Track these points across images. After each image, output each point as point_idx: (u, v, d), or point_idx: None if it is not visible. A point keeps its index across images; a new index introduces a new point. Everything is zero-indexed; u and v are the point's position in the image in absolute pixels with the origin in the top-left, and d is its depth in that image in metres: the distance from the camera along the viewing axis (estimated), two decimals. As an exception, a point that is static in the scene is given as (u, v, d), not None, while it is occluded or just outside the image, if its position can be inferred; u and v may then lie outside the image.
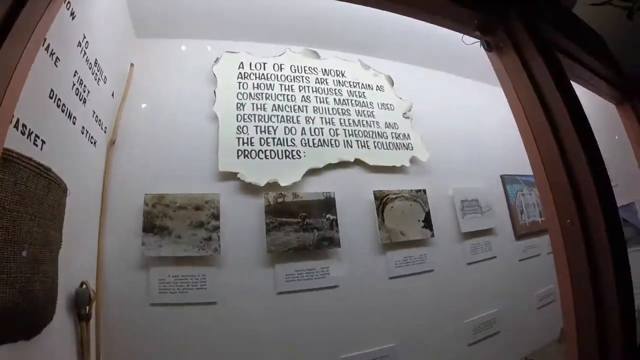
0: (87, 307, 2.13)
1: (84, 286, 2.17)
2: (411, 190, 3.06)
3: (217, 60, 3.06)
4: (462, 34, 2.07)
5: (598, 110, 2.73)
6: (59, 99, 1.85)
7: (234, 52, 3.14)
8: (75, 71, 2.04)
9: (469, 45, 2.17)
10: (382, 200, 2.90)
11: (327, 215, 2.71)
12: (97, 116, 2.38)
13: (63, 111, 1.91)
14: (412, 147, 3.26)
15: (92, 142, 2.32)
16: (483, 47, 2.03)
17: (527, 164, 3.92)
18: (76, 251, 2.05)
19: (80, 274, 2.13)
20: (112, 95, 2.67)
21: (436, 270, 3.06)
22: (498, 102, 4.05)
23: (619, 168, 3.05)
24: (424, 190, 3.12)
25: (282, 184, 2.70)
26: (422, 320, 2.94)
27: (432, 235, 3.04)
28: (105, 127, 2.54)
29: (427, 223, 3.04)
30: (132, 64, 2.93)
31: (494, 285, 3.46)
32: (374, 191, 2.91)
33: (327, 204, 2.74)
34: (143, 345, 2.40)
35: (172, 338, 2.43)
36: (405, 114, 3.41)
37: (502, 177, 3.91)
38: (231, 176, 2.70)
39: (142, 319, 2.42)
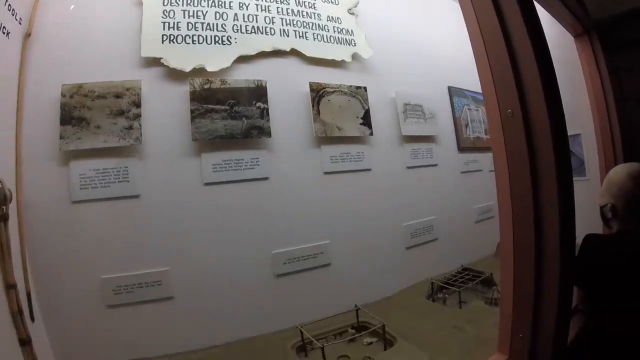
0: (4, 207, 1.99)
1: (0, 184, 2.00)
2: (351, 85, 2.99)
3: None
4: None
5: (556, 40, 2.71)
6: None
7: None
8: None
9: None
10: (318, 93, 2.82)
11: (258, 104, 2.60)
12: (10, 6, 2.12)
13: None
14: (354, 44, 3.15)
15: (4, 33, 2.07)
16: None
17: (476, 82, 3.98)
18: None
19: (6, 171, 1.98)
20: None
21: (374, 170, 3.08)
22: (452, 12, 4.04)
23: (568, 100, 3.12)
24: (365, 88, 3.06)
25: (210, 69, 2.55)
26: (359, 219, 2.99)
27: (371, 134, 3.03)
28: (20, 19, 2.25)
29: (366, 121, 3.02)
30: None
31: (434, 192, 3.57)
32: (310, 82, 2.81)
33: (258, 92, 2.62)
34: (67, 243, 2.29)
35: (96, 235, 2.33)
36: (350, 10, 3.26)
37: (449, 88, 3.93)
38: (155, 62, 2.49)
39: (65, 217, 2.28)
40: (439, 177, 3.57)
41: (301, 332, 2.48)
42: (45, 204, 2.25)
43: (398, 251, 3.23)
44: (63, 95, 2.29)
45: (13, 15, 2.18)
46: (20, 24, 2.27)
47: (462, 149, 3.88)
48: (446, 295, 3.02)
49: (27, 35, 2.33)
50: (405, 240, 3.25)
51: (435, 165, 3.53)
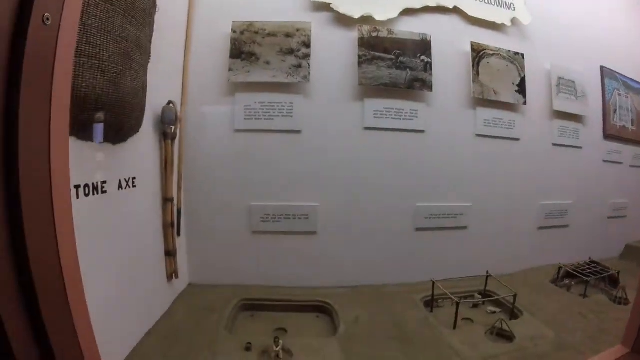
0: (172, 127, 2.23)
1: (171, 105, 2.22)
2: (509, 50, 2.87)
3: None
4: None
5: None
6: None
7: None
8: None
9: None
10: (478, 53, 2.75)
11: (422, 57, 2.60)
12: None
13: None
14: (514, 8, 3.02)
15: None
16: None
17: (631, 65, 3.63)
18: (163, 71, 2.09)
19: (167, 94, 2.21)
20: None
21: (522, 141, 2.96)
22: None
23: None
24: (522, 55, 2.92)
25: (377, 18, 2.59)
26: (502, 188, 2.91)
27: (525, 103, 2.90)
28: None
29: (521, 89, 2.89)
30: None
31: (574, 176, 3.35)
32: (471, 42, 2.75)
33: (422, 46, 2.62)
34: (223, 169, 2.50)
35: (253, 164, 2.51)
36: (511, -28, 3.11)
37: (602, 68, 3.61)
38: (323, 7, 2.60)
39: (225, 143, 2.49)
40: (581, 161, 3.32)
41: (433, 286, 2.47)
42: (208, 130, 2.46)
43: (531, 229, 3.10)
44: (234, 31, 2.47)
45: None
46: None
47: (607, 136, 3.57)
48: (572, 283, 2.86)
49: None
50: (539, 219, 3.10)
51: (580, 148, 3.29)
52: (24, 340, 0.52)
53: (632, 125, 3.94)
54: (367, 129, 2.50)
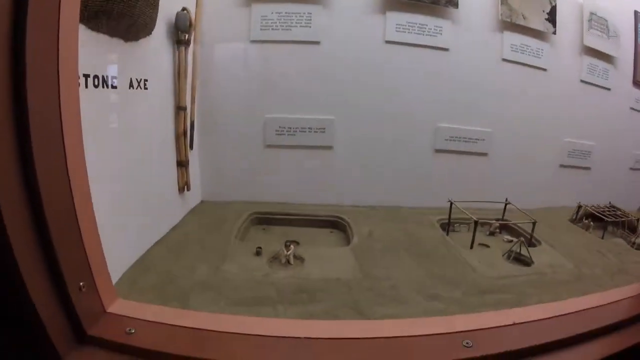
0: (186, 34, 2.19)
1: (185, 11, 2.17)
2: (542, -24, 2.76)
3: None
4: None
5: None
6: None
7: None
8: None
9: None
10: (510, -25, 2.64)
11: (450, -28, 2.51)
12: None
13: None
14: None
15: None
16: None
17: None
18: None
19: (182, 0, 2.15)
20: None
21: (550, 72, 2.87)
22: None
23: None
24: (555, -18, 2.80)
25: None
26: (524, 116, 2.84)
27: (554, 33, 2.80)
28: None
29: (552, 17, 2.79)
30: None
31: (599, 118, 3.26)
32: (503, -38, 2.63)
33: (451, -39, 2.52)
34: (238, 80, 2.48)
35: (269, 75, 2.48)
36: None
37: (635, 12, 3.47)
38: None
39: (241, 54, 2.48)
40: (607, 104, 3.23)
41: (451, 206, 2.43)
42: (223, 40, 2.43)
43: (553, 166, 3.04)
44: None
45: None
46: None
47: (637, 82, 3.44)
48: (591, 223, 2.83)
49: None
50: (561, 157, 3.02)
51: (609, 89, 3.18)
52: (26, 239, 0.49)
53: (663, 77, 3.80)
54: (388, 42, 2.44)
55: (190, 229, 2.22)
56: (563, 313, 0.75)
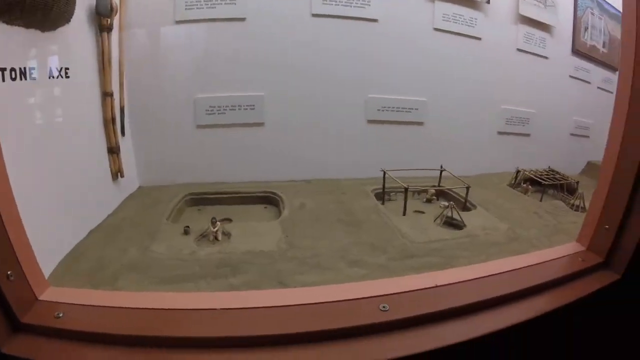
0: (108, 19, 2.15)
1: None
2: (474, -58, 2.77)
3: None
4: None
5: None
6: None
7: None
8: None
9: None
10: (441, -58, 2.65)
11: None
12: None
13: None
14: None
15: None
16: None
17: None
18: None
19: None
20: None
21: (484, 41, 2.94)
22: None
23: None
24: (488, -52, 2.83)
25: None
26: (459, 85, 2.92)
27: (488, 2, 2.84)
28: None
29: (485, -14, 2.81)
30: None
31: (536, 86, 3.37)
32: None
33: None
34: (167, 62, 2.46)
35: (196, 55, 2.48)
36: None
37: (575, -19, 3.55)
38: None
39: (167, 35, 2.44)
40: (546, 72, 3.34)
41: (384, 175, 2.49)
42: (148, 22, 2.39)
43: (490, 133, 3.15)
44: None
45: None
46: None
47: (575, 51, 3.55)
48: (529, 187, 2.95)
49: None
50: (499, 124, 3.13)
51: (546, 58, 3.27)
52: None
53: (604, 47, 3.94)
54: (315, 15, 2.43)
55: (125, 215, 2.22)
56: (490, 274, 0.77)
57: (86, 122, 2.07)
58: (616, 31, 4.07)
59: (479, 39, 2.90)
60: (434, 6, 2.72)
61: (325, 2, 2.49)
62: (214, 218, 2.03)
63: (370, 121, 2.63)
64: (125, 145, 2.38)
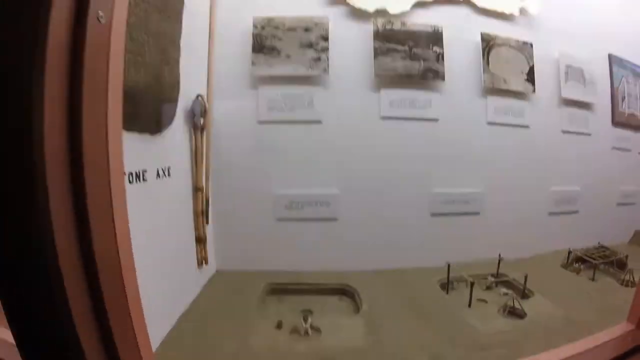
0: (202, 119, 2.43)
1: (199, 98, 2.42)
2: (518, 40, 3.05)
3: None
4: None
5: None
6: None
7: None
8: None
9: None
10: (488, 43, 2.92)
11: (434, 48, 2.78)
12: None
13: None
14: (523, -2, 3.18)
15: None
16: None
17: (638, 51, 3.80)
18: (191, 66, 2.26)
19: (196, 88, 2.40)
20: None
21: (532, 128, 3.13)
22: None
23: None
24: (531, 44, 3.10)
25: (391, 11, 2.76)
26: (512, 173, 3.08)
27: (534, 91, 3.07)
28: None
29: (530, 77, 3.06)
30: None
31: (583, 163, 3.52)
32: (481, 33, 2.92)
33: (435, 37, 2.79)
34: (249, 159, 2.70)
35: (277, 154, 2.70)
36: (518, -36, 3.28)
37: (610, 56, 3.78)
38: (340, 1, 2.77)
39: (250, 134, 2.69)
40: (590, 148, 3.50)
41: (448, 268, 2.66)
42: (233, 122, 2.65)
43: (542, 215, 3.26)
44: (255, 26, 2.66)
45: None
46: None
47: (616, 123, 3.74)
48: (581, 267, 3.04)
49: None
50: (549, 205, 3.27)
51: (589, 134, 3.47)
52: (86, 323, 0.60)
53: (641, 112, 4.11)
54: (383, 118, 2.68)
55: (210, 302, 2.40)
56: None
57: (180, 214, 2.26)
58: (650, 93, 4.25)
59: (527, 127, 3.11)
60: (486, 102, 2.95)
61: (392, 105, 2.75)
62: (305, 313, 2.22)
63: (433, 214, 2.83)
64: (209, 231, 2.59)
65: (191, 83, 2.27)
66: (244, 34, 2.69)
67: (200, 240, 2.54)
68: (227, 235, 2.69)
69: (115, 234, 0.71)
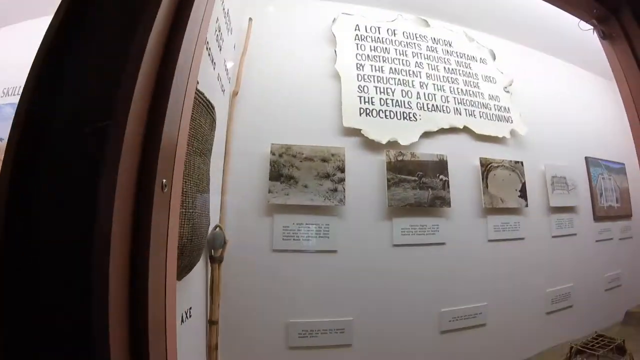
0: (221, 250, 2.48)
1: (218, 229, 2.49)
2: (511, 160, 3.43)
3: (334, 20, 3.38)
4: (577, 20, 2.12)
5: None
6: (207, 42, 1.79)
7: (349, 14, 3.46)
8: (217, 18, 2.19)
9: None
10: (486, 167, 3.28)
11: (440, 176, 3.10)
12: (225, 65, 2.61)
13: (209, 55, 2.02)
14: (511, 121, 3.60)
15: (222, 90, 2.56)
16: (599, 35, 2.08)
17: (607, 149, 4.29)
18: (210, 195, 2.27)
19: (213, 219, 2.40)
20: (234, 47, 2.94)
21: (527, 239, 3.46)
22: (583, 87, 4.42)
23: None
24: (522, 163, 3.48)
25: (402, 143, 3.08)
26: (511, 283, 3.37)
27: (526, 206, 3.43)
28: (229, 77, 2.83)
29: (523, 193, 3.42)
30: (250, 19, 3.26)
31: (572, 260, 3.87)
32: (480, 158, 3.27)
33: (440, 166, 3.12)
34: (264, 287, 2.78)
35: (292, 283, 2.81)
36: (506, 88, 3.73)
37: (586, 158, 4.24)
38: (354, 132, 3.07)
39: (265, 262, 2.79)
40: (576, 246, 3.86)
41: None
42: (247, 250, 2.75)
43: (539, 314, 3.54)
44: (272, 153, 2.85)
45: (227, 74, 2.67)
46: (229, 82, 2.77)
47: (597, 217, 4.15)
48: (584, 359, 3.28)
49: (235, 93, 2.90)
50: (546, 305, 3.56)
51: (575, 234, 3.83)
52: None
53: (617, 202, 4.56)
54: (395, 245, 2.93)
55: None
56: None
57: (195, 351, 2.23)
58: (623, 182, 4.74)
59: (523, 238, 3.44)
60: (486, 221, 3.27)
61: (403, 232, 3.01)
62: None
63: (443, 331, 3.05)
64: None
65: (210, 214, 2.27)
66: (260, 160, 2.86)
67: (213, 377, 2.57)
68: (235, 363, 2.73)
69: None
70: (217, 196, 2.62)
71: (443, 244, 3.05)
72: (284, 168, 2.85)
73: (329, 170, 2.91)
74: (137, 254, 0.68)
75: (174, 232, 0.82)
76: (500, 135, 3.45)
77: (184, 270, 1.87)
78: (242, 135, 2.89)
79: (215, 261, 2.47)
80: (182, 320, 1.90)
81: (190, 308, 2.04)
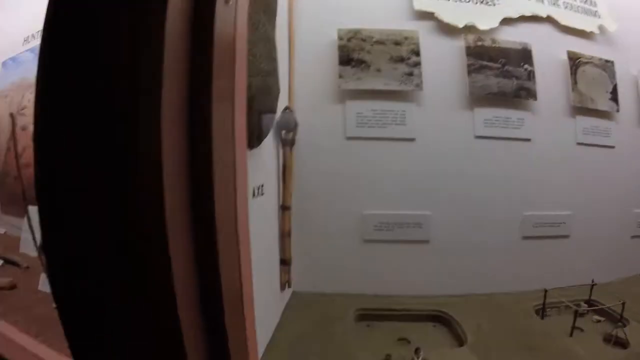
0: (292, 133, 2.43)
1: (288, 110, 2.42)
2: (601, 58, 3.19)
3: None
4: None
5: None
6: None
7: None
8: None
9: None
10: (575, 62, 3.05)
11: (525, 65, 2.89)
12: None
13: None
14: (599, 15, 3.35)
15: None
16: None
17: None
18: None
19: (282, 100, 2.34)
20: None
21: (617, 148, 3.23)
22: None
23: None
24: (612, 62, 3.24)
25: (480, 27, 2.87)
26: (597, 195, 3.15)
27: (618, 111, 3.20)
28: None
29: (614, 96, 3.19)
30: None
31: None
32: (567, 51, 3.05)
33: (524, 54, 2.91)
34: (337, 176, 2.71)
35: (365, 172, 2.72)
36: (591, -19, 3.47)
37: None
38: (427, 16, 2.87)
39: (337, 151, 2.72)
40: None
41: (545, 294, 2.71)
42: (319, 138, 2.68)
43: (625, 239, 3.35)
44: (340, 38, 2.70)
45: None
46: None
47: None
48: None
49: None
50: (632, 228, 3.36)
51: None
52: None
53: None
54: (477, 137, 2.76)
55: (296, 330, 2.33)
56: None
57: (268, 235, 2.23)
58: None
59: (613, 147, 3.23)
60: (575, 122, 3.07)
61: (486, 124, 2.84)
62: (417, 349, 2.22)
63: (525, 237, 2.90)
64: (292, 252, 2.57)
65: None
66: (327, 45, 2.73)
67: (286, 263, 2.53)
68: (307, 255, 2.69)
69: (238, 247, 0.74)
70: (285, 79, 2.50)
71: (528, 140, 2.86)
72: (353, 52, 2.70)
73: (403, 54, 2.74)
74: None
75: (242, 64, 0.73)
76: (587, 30, 3.20)
77: (253, 135, 1.79)
78: (306, 20, 2.76)
79: (287, 144, 2.42)
80: (254, 194, 1.84)
81: (262, 185, 1.98)
